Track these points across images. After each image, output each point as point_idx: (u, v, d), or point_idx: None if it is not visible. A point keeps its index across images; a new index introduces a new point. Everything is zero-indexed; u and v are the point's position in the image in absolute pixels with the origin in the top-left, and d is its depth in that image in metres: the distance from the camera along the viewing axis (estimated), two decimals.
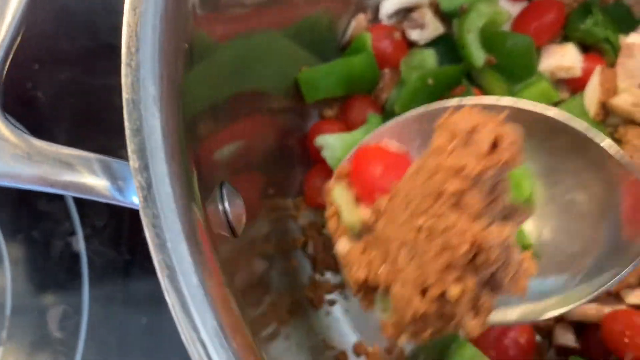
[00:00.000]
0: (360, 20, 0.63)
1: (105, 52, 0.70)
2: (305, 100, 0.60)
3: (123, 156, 0.65)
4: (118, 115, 0.67)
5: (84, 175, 0.34)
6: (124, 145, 0.65)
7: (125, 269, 0.62)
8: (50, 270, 0.62)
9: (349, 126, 0.61)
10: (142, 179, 0.29)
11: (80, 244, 0.63)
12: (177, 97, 0.33)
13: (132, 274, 0.62)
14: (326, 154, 0.58)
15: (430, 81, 0.58)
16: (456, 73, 0.60)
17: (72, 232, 0.63)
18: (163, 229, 0.30)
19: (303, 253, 0.62)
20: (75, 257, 0.62)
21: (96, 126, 0.68)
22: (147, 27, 0.32)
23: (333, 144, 0.58)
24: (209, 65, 0.41)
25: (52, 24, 0.69)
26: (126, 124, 0.31)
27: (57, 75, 0.68)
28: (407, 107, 0.56)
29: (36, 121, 0.67)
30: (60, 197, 0.64)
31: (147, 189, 0.29)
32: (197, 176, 0.35)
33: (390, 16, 0.64)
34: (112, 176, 0.34)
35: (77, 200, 0.64)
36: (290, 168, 0.63)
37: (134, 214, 0.63)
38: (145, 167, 0.30)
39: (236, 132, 0.48)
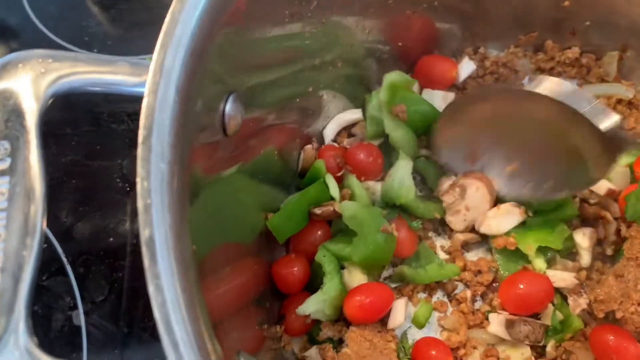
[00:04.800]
0: (308, 151, 0.68)
1: (104, 136, 0.75)
2: (278, 241, 0.63)
3: (121, 234, 0.70)
4: (115, 194, 0.72)
5: None
6: (121, 222, 0.70)
7: (123, 341, 0.65)
8: (50, 342, 0.65)
9: (305, 252, 0.64)
10: None
11: (80, 318, 0.66)
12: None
13: (129, 346, 0.65)
14: (317, 316, 0.60)
15: None
16: None
17: (73, 307, 0.66)
18: None
19: None
20: (76, 330, 0.66)
21: (95, 204, 0.73)
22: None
23: (316, 308, 0.60)
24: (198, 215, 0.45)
25: (58, 113, 0.75)
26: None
27: (61, 158, 0.74)
28: None
29: None
30: (63, 274, 0.68)
31: None
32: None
33: (334, 138, 0.71)
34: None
35: (77, 277, 0.68)
36: (273, 299, 0.65)
37: (132, 289, 0.67)
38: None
39: (227, 279, 0.52)
